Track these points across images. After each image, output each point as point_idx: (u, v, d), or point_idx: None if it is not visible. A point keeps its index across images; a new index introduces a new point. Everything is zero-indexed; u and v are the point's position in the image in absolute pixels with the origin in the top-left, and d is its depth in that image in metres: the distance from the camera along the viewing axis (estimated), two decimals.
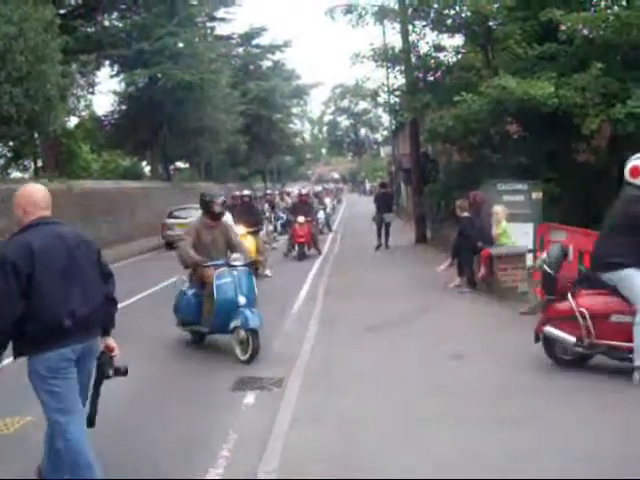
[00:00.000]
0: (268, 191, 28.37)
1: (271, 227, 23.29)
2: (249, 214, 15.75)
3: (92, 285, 4.39)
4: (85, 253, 4.41)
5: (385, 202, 20.86)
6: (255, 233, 15.34)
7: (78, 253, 4.34)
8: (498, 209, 11.47)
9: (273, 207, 25.71)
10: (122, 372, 4.68)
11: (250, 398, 6.76)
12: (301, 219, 18.71)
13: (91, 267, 4.43)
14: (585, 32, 12.77)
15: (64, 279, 4.22)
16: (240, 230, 13.20)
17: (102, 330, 4.55)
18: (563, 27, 13.31)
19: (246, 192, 17.99)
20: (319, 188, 40.64)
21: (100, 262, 4.57)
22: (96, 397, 4.59)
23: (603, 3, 14.08)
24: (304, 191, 21.38)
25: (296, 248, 18.85)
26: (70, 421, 4.28)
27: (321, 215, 26.92)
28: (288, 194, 30.01)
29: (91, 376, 4.54)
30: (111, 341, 4.61)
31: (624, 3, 13.03)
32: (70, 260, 4.27)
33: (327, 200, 35.40)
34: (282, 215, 26.15)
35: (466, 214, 12.01)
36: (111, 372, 4.62)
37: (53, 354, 4.19)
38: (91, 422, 4.59)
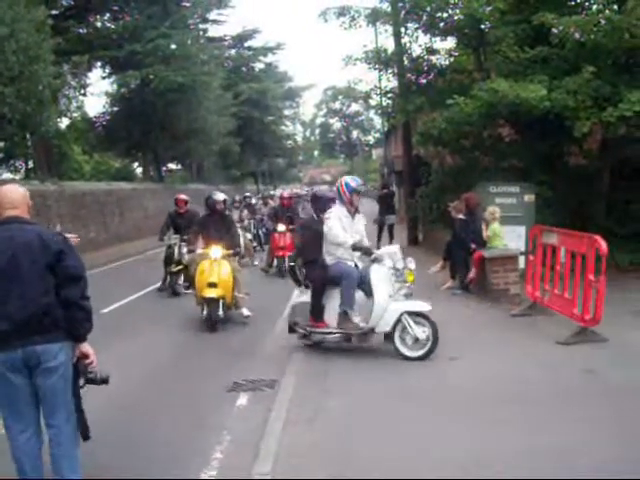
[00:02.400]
0: (247, 194, 24.86)
1: (249, 236, 19.53)
2: (222, 230, 10.78)
3: (34, 289, 4.19)
4: (35, 256, 4.22)
5: (387, 203, 20.61)
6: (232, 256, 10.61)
7: (24, 256, 4.20)
8: (489, 210, 11.51)
9: (254, 213, 21.96)
10: (98, 381, 4.50)
11: (243, 399, 6.76)
12: (281, 227, 15.83)
13: (37, 270, 4.21)
14: (577, 36, 12.80)
15: (2, 281, 4.18)
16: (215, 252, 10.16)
17: (73, 337, 4.36)
18: (555, 31, 13.35)
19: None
20: (303, 191, 38.96)
21: (61, 265, 4.26)
22: (79, 407, 4.48)
23: (595, 7, 14.11)
24: (286, 193, 18.10)
25: (275, 263, 15.88)
26: (8, 427, 4.32)
27: None
28: (272, 198, 26.54)
29: (56, 391, 4.30)
30: (86, 348, 4.43)
31: (615, 7, 13.08)
32: (11, 262, 4.17)
33: None
34: (265, 223, 22.43)
35: (460, 216, 12.04)
36: (81, 382, 4.47)
37: None
38: (84, 435, 4.52)
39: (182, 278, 12.88)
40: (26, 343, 4.18)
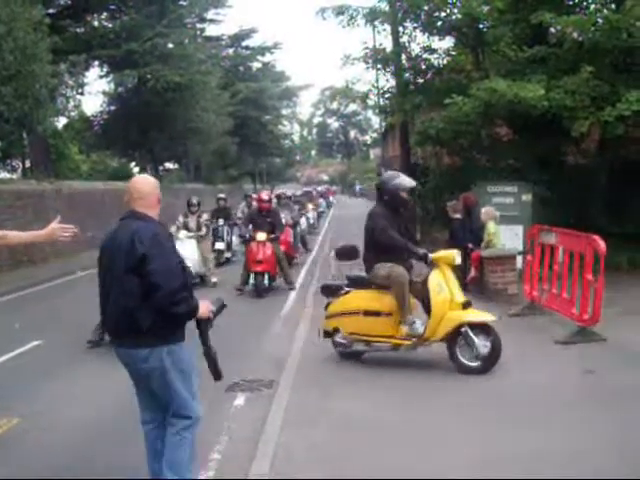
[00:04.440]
0: (221, 195, 20.35)
1: (221, 245, 17.66)
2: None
3: (117, 291, 4.18)
4: (121, 257, 4.19)
5: None
6: None
7: (116, 255, 4.24)
8: (486, 210, 11.50)
9: (227, 218, 18.68)
10: (222, 306, 4.58)
11: (241, 400, 6.74)
12: (261, 236, 12.99)
13: (120, 272, 4.16)
14: (575, 35, 12.82)
15: (105, 279, 4.35)
16: None
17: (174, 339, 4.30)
18: (553, 30, 13.37)
19: (195, 200, 14.60)
20: (299, 192, 37.13)
21: (144, 270, 4.08)
22: (208, 352, 4.53)
23: (593, 7, 14.11)
24: (265, 194, 14.60)
25: (252, 278, 12.91)
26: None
27: (303, 222, 22.56)
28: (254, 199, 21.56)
29: (155, 394, 4.35)
30: (205, 312, 4.35)
31: (613, 7, 13.08)
32: (110, 261, 4.29)
33: (310, 207, 29.27)
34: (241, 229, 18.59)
35: (457, 216, 12.03)
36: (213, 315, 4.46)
37: None
38: (216, 374, 4.62)
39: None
40: (119, 344, 4.27)
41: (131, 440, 5.15)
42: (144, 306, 4.06)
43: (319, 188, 51.32)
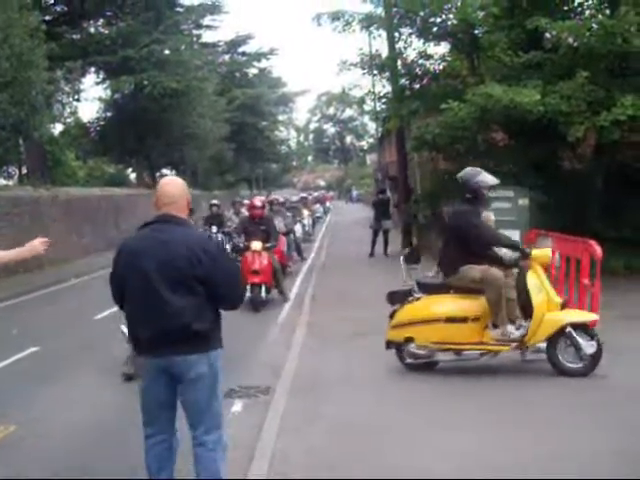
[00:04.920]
0: (214, 201, 19.69)
1: None
2: None
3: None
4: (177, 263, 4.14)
5: (383, 208, 20.55)
6: None
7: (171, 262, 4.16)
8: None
9: (220, 225, 17.92)
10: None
11: (238, 406, 6.73)
12: (256, 245, 12.29)
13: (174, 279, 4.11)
14: (570, 40, 12.84)
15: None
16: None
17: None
18: (548, 35, 13.39)
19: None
20: (294, 197, 35.86)
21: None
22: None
23: (588, 12, 14.15)
24: (258, 201, 13.70)
25: (250, 291, 11.89)
26: None
27: (298, 229, 21.56)
28: (244, 206, 20.13)
29: (193, 404, 4.22)
30: None
31: (608, 12, 13.11)
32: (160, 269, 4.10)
33: (306, 213, 27.94)
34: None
35: None
36: None
37: None
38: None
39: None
40: (160, 354, 4.09)
41: (129, 447, 5.15)
42: (203, 313, 4.04)
43: (315, 194, 51.14)
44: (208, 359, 4.11)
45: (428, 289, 7.48)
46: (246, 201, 18.92)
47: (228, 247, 16.30)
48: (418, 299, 7.45)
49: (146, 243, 4.09)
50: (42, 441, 5.92)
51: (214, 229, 17.41)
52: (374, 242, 19.73)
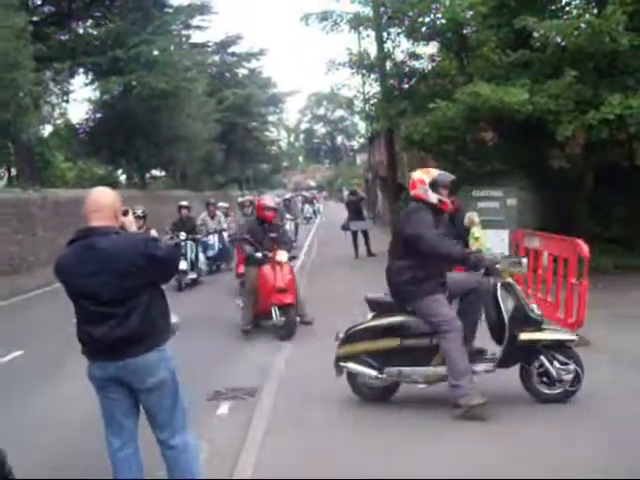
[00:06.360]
0: (183, 202, 16.76)
1: (184, 265, 14.25)
2: None
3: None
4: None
5: (354, 209, 20.82)
6: None
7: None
8: (467, 215, 11.47)
9: (191, 231, 15.43)
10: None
11: (224, 408, 6.68)
12: (282, 256, 9.72)
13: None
14: (558, 40, 12.84)
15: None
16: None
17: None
18: (536, 34, 13.39)
19: (139, 211, 11.65)
20: (278, 199, 34.66)
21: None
22: None
23: (575, 11, 14.17)
24: (270, 200, 10.77)
25: (276, 315, 9.47)
26: None
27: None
28: (218, 208, 18.66)
29: (157, 408, 4.36)
30: None
31: (595, 11, 13.12)
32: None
33: (287, 217, 24.20)
34: (213, 243, 17.13)
35: None
36: None
37: None
38: None
39: None
40: (114, 358, 4.13)
41: None
42: (148, 314, 4.08)
43: (306, 193, 51.17)
44: (165, 355, 4.19)
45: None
46: (239, 200, 16.70)
47: (201, 256, 15.83)
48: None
49: (77, 260, 4.08)
50: (21, 455, 5.83)
51: (182, 236, 14.97)
52: (356, 244, 19.87)
